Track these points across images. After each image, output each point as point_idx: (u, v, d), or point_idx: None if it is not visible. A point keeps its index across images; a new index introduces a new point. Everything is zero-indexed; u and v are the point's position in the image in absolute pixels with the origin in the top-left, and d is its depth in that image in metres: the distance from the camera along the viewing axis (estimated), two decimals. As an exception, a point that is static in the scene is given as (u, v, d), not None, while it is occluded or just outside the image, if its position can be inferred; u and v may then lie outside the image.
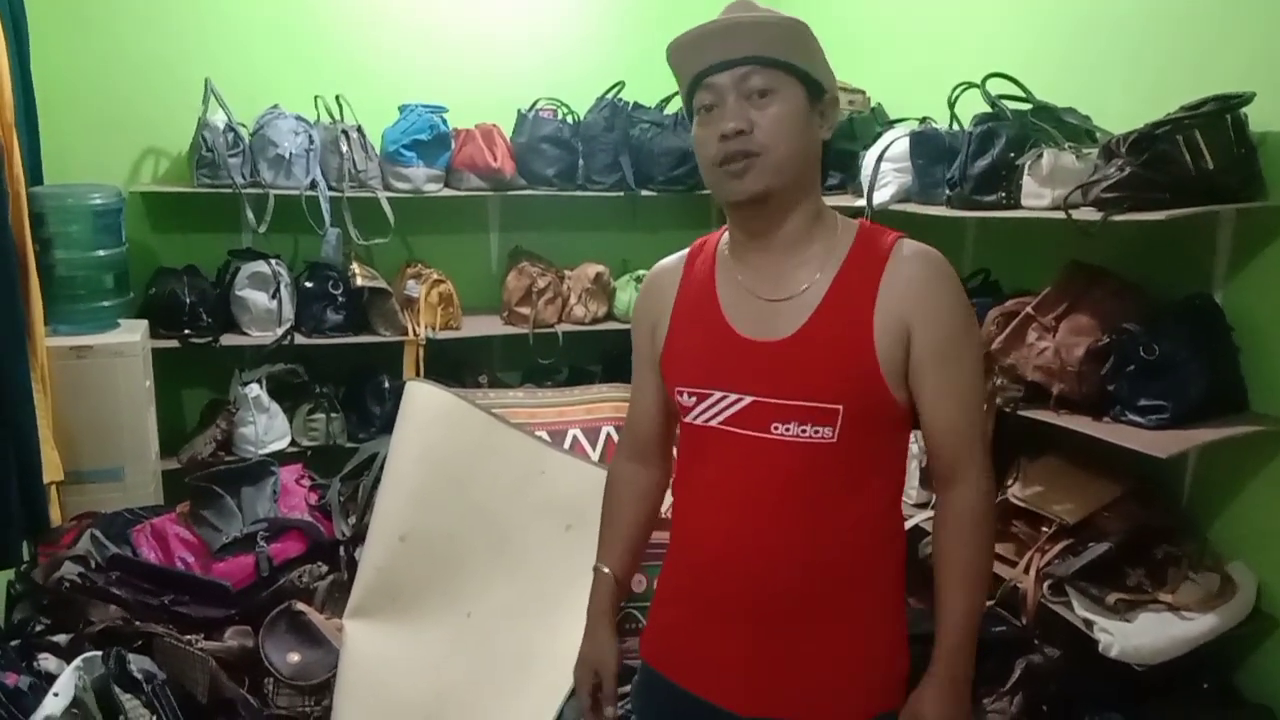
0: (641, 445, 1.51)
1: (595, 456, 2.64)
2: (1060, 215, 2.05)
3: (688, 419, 1.34)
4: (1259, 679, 2.07)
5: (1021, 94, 2.36)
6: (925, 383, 1.24)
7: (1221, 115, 1.92)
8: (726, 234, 1.37)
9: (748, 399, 1.26)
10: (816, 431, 1.22)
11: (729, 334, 1.29)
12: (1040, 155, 2.17)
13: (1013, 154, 2.26)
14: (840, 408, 1.21)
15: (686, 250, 1.43)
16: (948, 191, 2.44)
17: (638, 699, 1.50)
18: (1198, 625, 1.95)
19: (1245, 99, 1.93)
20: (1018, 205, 2.25)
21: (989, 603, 2.19)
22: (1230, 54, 2.08)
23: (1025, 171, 2.21)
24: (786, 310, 1.26)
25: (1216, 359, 2.04)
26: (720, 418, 1.27)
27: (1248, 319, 2.06)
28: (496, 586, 2.41)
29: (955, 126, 2.52)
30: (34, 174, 2.80)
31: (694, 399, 1.31)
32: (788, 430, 1.23)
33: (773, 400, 1.24)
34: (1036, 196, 2.19)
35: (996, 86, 2.37)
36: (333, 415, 3.28)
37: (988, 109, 2.37)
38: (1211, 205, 1.92)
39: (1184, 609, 1.97)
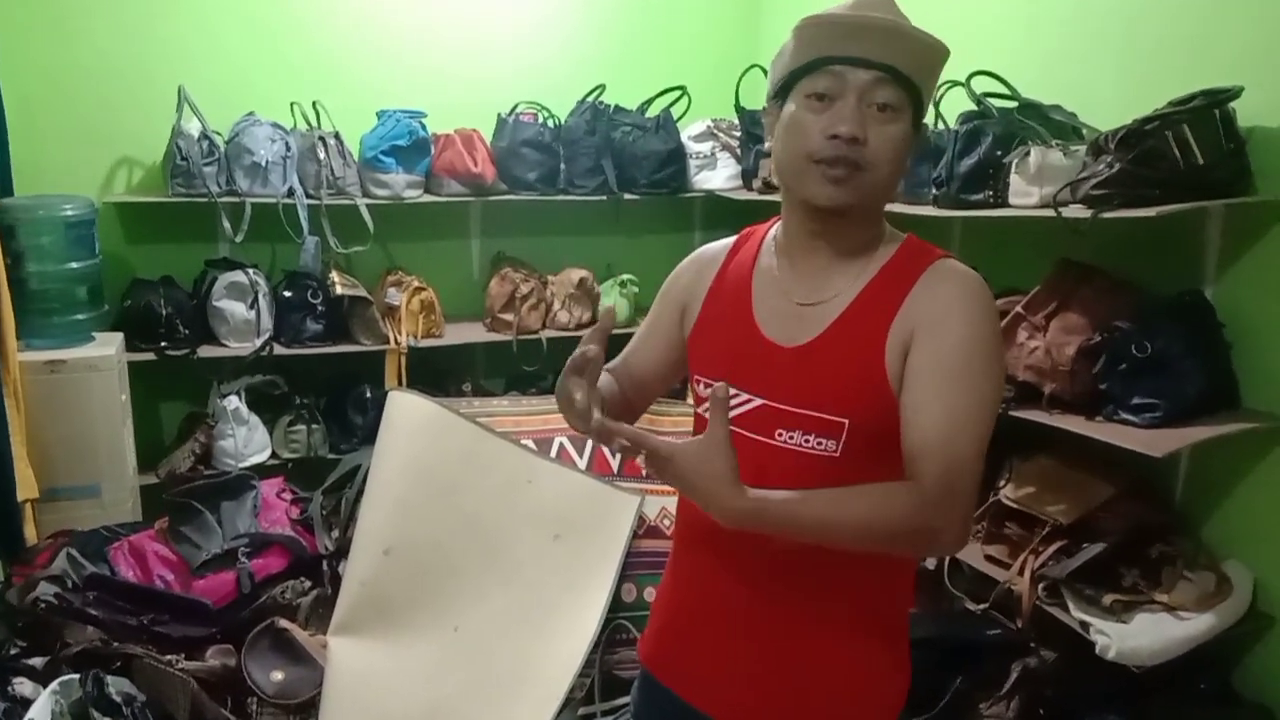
0: (617, 375, 1.41)
1: (583, 464, 2.61)
2: (1048, 213, 2.04)
3: (700, 409, 1.31)
4: (1257, 678, 2.07)
5: (1007, 92, 2.36)
6: (908, 395, 1.14)
7: (1210, 110, 1.92)
8: (778, 226, 1.32)
9: (757, 401, 1.23)
10: (820, 443, 1.19)
11: (753, 332, 1.26)
12: (1028, 153, 2.17)
13: (999, 152, 2.26)
14: (845, 421, 1.17)
15: (734, 237, 1.39)
16: (934, 191, 2.43)
17: (637, 702, 1.47)
18: (1195, 625, 1.94)
19: (1234, 93, 1.92)
20: (1005, 204, 2.25)
21: (983, 606, 2.18)
22: (1218, 48, 2.08)
23: (1013, 170, 2.21)
24: (811, 316, 1.23)
25: (1208, 356, 2.03)
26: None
27: (1239, 315, 2.06)
28: (484, 598, 2.38)
29: (941, 125, 2.50)
30: (4, 185, 2.77)
31: (709, 390, 1.27)
32: (791, 439, 1.20)
33: (780, 406, 1.21)
34: (1024, 195, 2.18)
35: (982, 84, 2.37)
36: (314, 426, 3.25)
37: (973, 107, 2.36)
38: (1201, 201, 1.92)
39: (1180, 609, 1.97)
